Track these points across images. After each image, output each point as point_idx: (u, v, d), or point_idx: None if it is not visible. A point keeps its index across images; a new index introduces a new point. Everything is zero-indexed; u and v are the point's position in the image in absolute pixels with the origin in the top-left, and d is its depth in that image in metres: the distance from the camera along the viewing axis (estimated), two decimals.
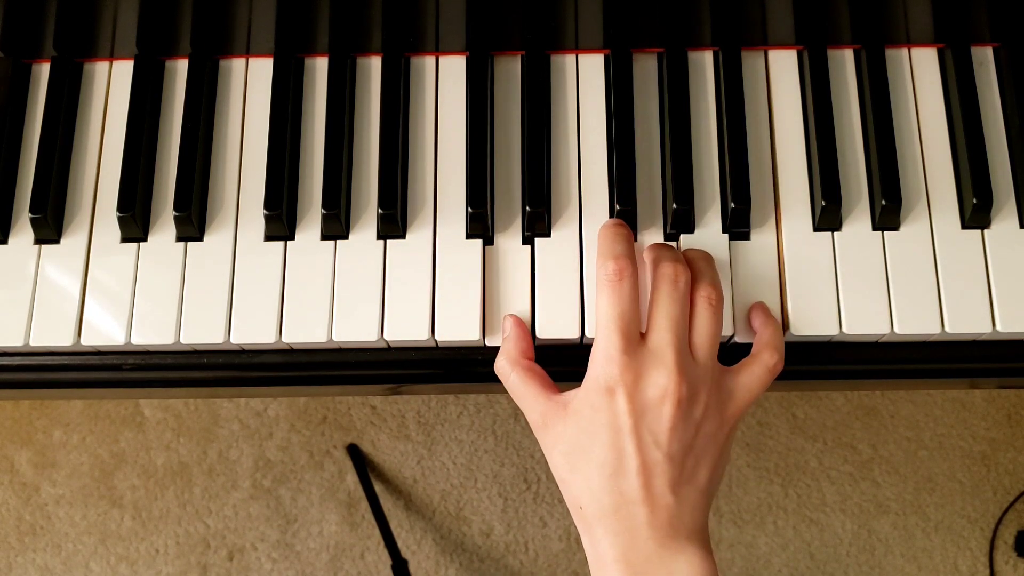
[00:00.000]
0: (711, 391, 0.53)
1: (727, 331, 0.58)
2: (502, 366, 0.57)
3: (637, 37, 0.63)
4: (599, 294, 0.54)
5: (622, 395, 0.52)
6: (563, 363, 0.59)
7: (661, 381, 0.52)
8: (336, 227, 0.60)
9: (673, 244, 0.59)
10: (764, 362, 0.55)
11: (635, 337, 0.53)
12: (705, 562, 0.51)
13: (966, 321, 0.58)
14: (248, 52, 0.65)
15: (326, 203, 0.60)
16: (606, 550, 0.52)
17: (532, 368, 0.56)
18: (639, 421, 0.52)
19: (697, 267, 0.56)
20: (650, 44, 0.64)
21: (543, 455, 1.28)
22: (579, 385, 0.54)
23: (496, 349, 0.58)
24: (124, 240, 0.61)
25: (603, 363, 0.53)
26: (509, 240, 0.60)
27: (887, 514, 1.31)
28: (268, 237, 0.61)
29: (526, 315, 0.58)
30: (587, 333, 0.58)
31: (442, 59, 0.64)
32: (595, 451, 0.52)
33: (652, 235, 0.60)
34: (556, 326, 0.58)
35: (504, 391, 0.58)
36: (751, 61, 0.64)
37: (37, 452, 1.35)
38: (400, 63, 0.63)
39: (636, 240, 0.60)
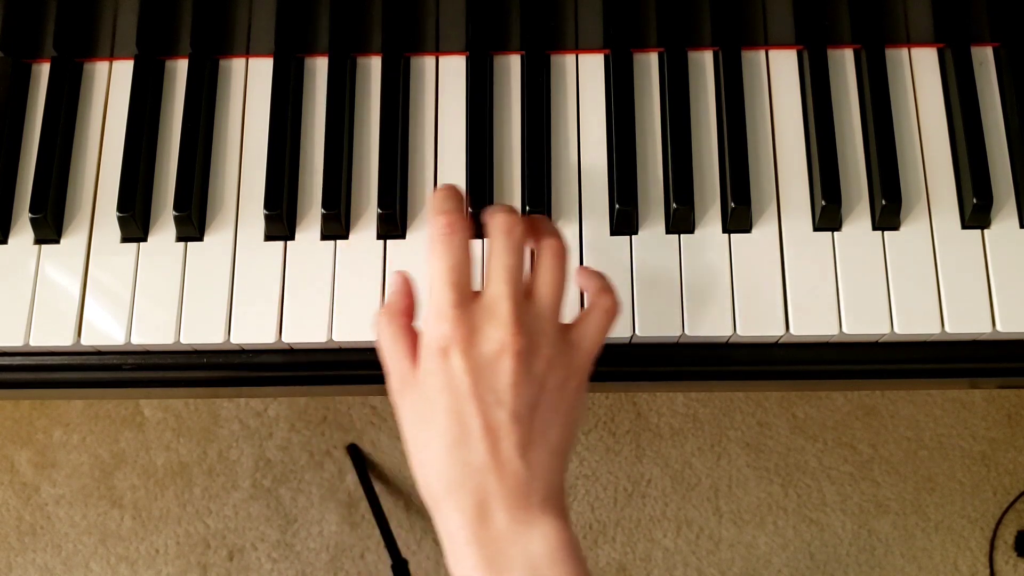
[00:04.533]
0: (554, 343, 0.50)
1: (725, 331, 0.58)
2: (379, 319, 0.53)
3: (637, 37, 0.63)
4: (430, 252, 0.50)
5: (456, 353, 0.48)
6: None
7: (497, 334, 0.48)
8: (336, 227, 0.60)
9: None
10: (601, 305, 0.53)
11: (468, 292, 0.50)
12: (561, 533, 0.47)
13: (966, 321, 0.58)
14: (248, 52, 0.65)
15: (326, 203, 0.60)
16: (456, 530, 0.47)
17: (408, 328, 0.52)
18: (478, 380, 0.48)
19: (538, 224, 0.54)
20: (650, 44, 0.64)
21: None
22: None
23: None
24: (124, 240, 0.61)
25: (435, 322, 0.49)
26: None
27: (887, 514, 1.30)
28: (268, 237, 0.61)
29: None
30: None
31: (442, 59, 0.64)
32: (436, 419, 0.48)
33: (652, 235, 0.60)
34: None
35: None
36: (751, 61, 0.64)
37: (37, 452, 1.34)
38: (400, 63, 0.63)
39: (636, 234, 0.60)
